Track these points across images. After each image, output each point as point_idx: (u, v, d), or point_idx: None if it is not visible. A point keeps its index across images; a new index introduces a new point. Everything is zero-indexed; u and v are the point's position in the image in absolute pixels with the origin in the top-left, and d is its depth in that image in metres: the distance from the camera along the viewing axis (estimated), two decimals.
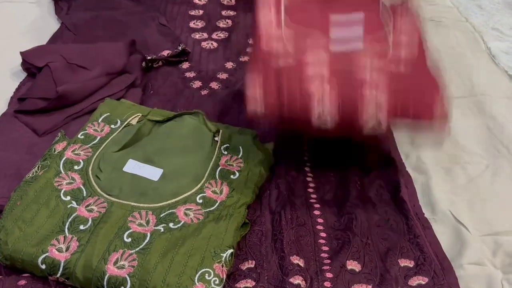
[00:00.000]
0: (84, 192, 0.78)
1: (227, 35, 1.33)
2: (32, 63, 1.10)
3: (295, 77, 0.79)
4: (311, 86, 0.77)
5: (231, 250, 0.72)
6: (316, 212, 0.83)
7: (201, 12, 1.43)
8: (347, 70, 0.80)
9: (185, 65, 1.21)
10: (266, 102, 0.77)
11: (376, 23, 0.89)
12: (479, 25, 1.42)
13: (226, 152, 0.88)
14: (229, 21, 1.39)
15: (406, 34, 0.88)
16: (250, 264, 0.73)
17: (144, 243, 0.71)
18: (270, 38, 0.84)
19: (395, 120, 0.78)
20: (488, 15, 1.48)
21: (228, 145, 0.90)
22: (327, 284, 0.70)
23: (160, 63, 1.20)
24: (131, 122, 0.93)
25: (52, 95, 1.00)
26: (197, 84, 1.14)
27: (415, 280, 0.73)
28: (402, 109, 0.78)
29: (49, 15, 1.39)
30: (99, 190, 0.79)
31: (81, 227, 0.73)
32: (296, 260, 0.73)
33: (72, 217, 0.74)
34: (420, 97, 0.79)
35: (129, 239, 0.72)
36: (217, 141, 0.90)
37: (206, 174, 0.83)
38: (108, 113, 0.94)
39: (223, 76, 1.17)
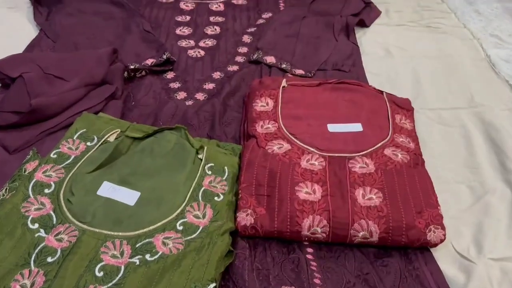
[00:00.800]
0: (54, 219, 0.72)
1: (215, 43, 1.26)
2: (5, 74, 1.03)
3: (286, 178, 0.80)
4: (302, 194, 0.78)
5: (214, 284, 0.66)
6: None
7: (188, 18, 1.36)
8: (339, 176, 0.81)
9: (170, 74, 1.14)
10: (256, 214, 0.76)
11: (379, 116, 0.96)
12: (477, 32, 1.37)
13: (210, 172, 0.82)
14: (218, 28, 1.33)
15: (403, 136, 0.92)
16: None
17: (118, 278, 0.65)
18: (266, 134, 0.89)
19: (388, 232, 0.74)
20: (487, 21, 1.43)
21: (212, 164, 0.83)
22: None
23: (144, 72, 1.13)
24: (108, 139, 0.86)
25: (25, 108, 0.93)
26: (181, 95, 1.08)
27: None
28: (395, 223, 0.75)
29: (28, 21, 1.32)
30: (70, 216, 0.72)
31: (49, 259, 0.66)
32: None
33: (39, 247, 0.68)
34: (413, 212, 0.76)
35: (101, 273, 0.65)
36: (201, 159, 0.84)
37: (188, 196, 0.77)
38: (85, 129, 0.88)
39: (209, 86, 1.11)
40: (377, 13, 1.43)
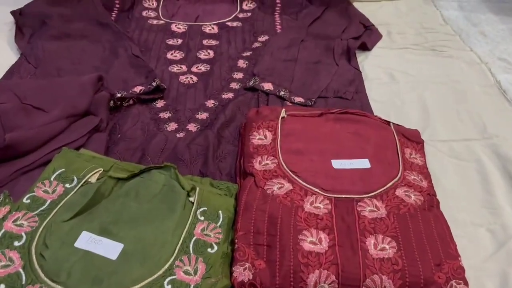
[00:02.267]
0: (24, 279, 0.62)
1: (208, 68, 1.19)
2: None
3: (288, 225, 0.72)
4: (306, 244, 0.70)
5: None
6: None
7: (180, 41, 1.29)
8: (348, 222, 0.73)
9: (160, 103, 1.06)
10: (255, 268, 0.67)
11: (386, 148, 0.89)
12: (484, 55, 1.30)
13: (202, 218, 0.73)
14: (211, 52, 1.25)
15: (415, 174, 0.85)
16: None
17: None
18: (264, 172, 0.82)
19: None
20: (493, 44, 1.37)
21: (205, 208, 0.75)
22: None
23: (131, 101, 1.05)
24: (89, 180, 0.77)
25: None
26: (172, 126, 0.99)
27: None
28: (412, 278, 0.66)
29: (7, 44, 1.24)
30: (42, 275, 0.63)
31: None
32: None
33: None
34: (431, 265, 0.68)
35: None
36: (192, 203, 0.75)
37: (177, 248, 0.68)
38: (63, 169, 0.79)
39: (202, 116, 1.03)
40: (379, 36, 1.36)
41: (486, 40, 1.39)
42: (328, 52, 1.24)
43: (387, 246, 0.70)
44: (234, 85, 1.13)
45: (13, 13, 1.30)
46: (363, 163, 0.85)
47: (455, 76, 1.20)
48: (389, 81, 1.19)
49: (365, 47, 1.31)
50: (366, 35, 1.34)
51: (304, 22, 1.36)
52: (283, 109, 0.96)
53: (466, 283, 0.67)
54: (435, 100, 1.11)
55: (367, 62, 1.26)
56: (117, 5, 1.42)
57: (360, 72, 1.20)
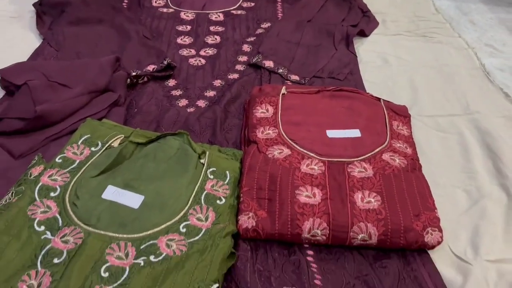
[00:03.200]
0: (60, 222, 0.73)
1: (215, 52, 1.29)
2: (10, 81, 1.05)
3: (286, 182, 0.82)
4: (302, 197, 0.79)
5: (217, 285, 0.67)
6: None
7: (188, 27, 1.39)
8: (339, 181, 0.83)
9: (171, 82, 1.16)
10: (258, 216, 0.78)
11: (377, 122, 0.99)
12: (472, 41, 1.40)
13: (212, 177, 0.84)
14: (218, 37, 1.35)
15: (401, 142, 0.94)
16: None
17: (123, 278, 0.66)
18: (266, 140, 0.91)
19: (386, 234, 0.76)
20: (481, 31, 1.46)
21: (214, 169, 0.85)
22: None
23: (145, 78, 1.15)
24: (112, 144, 0.88)
25: (30, 115, 0.95)
26: (183, 102, 1.10)
27: None
28: (393, 225, 0.77)
29: (31, 30, 1.34)
30: (75, 219, 0.74)
31: (55, 260, 0.68)
32: None
33: (45, 249, 0.69)
34: (410, 215, 0.78)
35: (107, 274, 0.67)
36: (203, 164, 0.86)
37: (191, 199, 0.79)
38: (89, 135, 0.89)
39: (210, 94, 1.13)
40: (376, 23, 1.46)
41: (474, 27, 1.49)
42: (329, 37, 1.34)
43: (372, 200, 0.80)
44: (239, 67, 1.23)
45: (34, 4, 1.40)
46: (355, 133, 0.95)
47: (443, 60, 1.30)
48: (382, 65, 1.28)
49: (363, 34, 1.40)
50: (364, 23, 1.44)
51: (307, 11, 1.45)
52: (284, 87, 1.06)
53: (440, 230, 0.77)
54: (424, 81, 1.21)
55: (362, 47, 1.36)
56: None
57: (356, 56, 1.30)
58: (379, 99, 1.06)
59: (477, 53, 1.33)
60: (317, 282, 0.72)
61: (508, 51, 1.36)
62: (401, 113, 1.03)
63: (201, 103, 1.10)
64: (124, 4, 1.47)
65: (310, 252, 0.77)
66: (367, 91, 1.14)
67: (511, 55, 1.34)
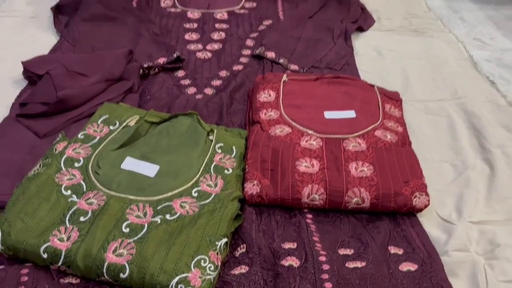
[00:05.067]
0: (84, 187, 0.82)
1: (221, 46, 1.38)
2: (33, 72, 1.14)
3: (288, 155, 0.90)
4: (302, 167, 0.88)
5: (226, 239, 0.75)
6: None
7: (195, 25, 1.48)
8: (335, 153, 0.91)
9: (181, 73, 1.26)
10: (262, 184, 0.86)
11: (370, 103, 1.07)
12: (461, 36, 1.49)
13: (220, 151, 0.92)
14: (223, 33, 1.44)
15: (392, 122, 1.02)
16: (242, 249, 0.76)
17: (142, 233, 0.74)
18: (269, 121, 1.00)
19: (378, 198, 0.85)
20: (470, 27, 1.55)
21: (222, 144, 0.93)
22: (322, 258, 0.74)
23: (157, 69, 1.24)
24: (129, 124, 0.97)
25: (52, 100, 1.04)
26: (191, 90, 1.19)
27: (405, 266, 0.76)
28: (384, 190, 0.85)
29: (49, 28, 1.44)
30: (98, 184, 0.82)
31: (82, 218, 0.76)
32: (288, 245, 0.77)
33: (72, 209, 0.78)
34: (400, 181, 0.86)
35: (127, 229, 0.75)
36: (211, 140, 0.94)
37: (201, 169, 0.87)
38: (107, 115, 0.98)
39: (217, 83, 1.22)
40: (373, 21, 1.55)
41: (464, 24, 1.58)
42: (328, 32, 1.43)
43: (365, 169, 0.88)
44: (243, 59, 1.32)
45: (51, 8, 1.49)
46: (350, 114, 1.04)
47: (434, 52, 1.39)
48: (377, 57, 1.37)
49: (361, 30, 1.50)
50: (363, 19, 1.53)
51: (307, 11, 1.55)
52: (285, 74, 1.15)
53: (427, 195, 0.86)
54: (415, 71, 1.30)
55: (358, 41, 1.45)
56: None
57: (353, 49, 1.39)
58: (373, 85, 1.15)
59: (465, 46, 1.42)
60: (316, 238, 0.80)
61: (495, 44, 1.45)
62: (393, 97, 1.12)
63: (208, 91, 1.19)
64: (133, 3, 1.57)
65: (309, 216, 0.85)
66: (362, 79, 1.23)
67: (497, 48, 1.43)
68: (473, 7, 1.70)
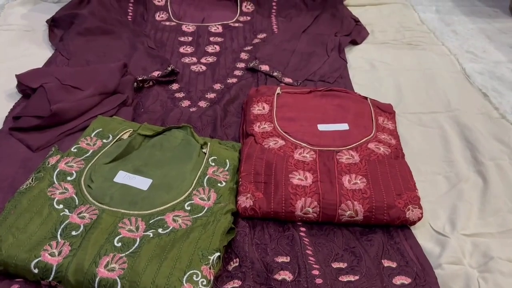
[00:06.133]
0: (77, 201, 0.81)
1: (215, 59, 1.39)
2: (27, 85, 1.15)
3: (281, 168, 0.90)
4: (295, 180, 0.88)
5: (218, 253, 0.75)
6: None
7: (190, 38, 1.49)
8: (328, 166, 0.91)
9: (175, 86, 1.26)
10: (255, 197, 0.86)
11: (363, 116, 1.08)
12: (454, 49, 1.50)
13: (213, 164, 0.92)
14: (217, 47, 1.45)
15: (386, 134, 1.03)
16: (235, 263, 0.76)
17: (134, 247, 0.74)
18: (263, 133, 1.00)
19: (371, 211, 0.84)
20: (463, 40, 1.57)
21: (215, 157, 0.93)
22: (315, 272, 0.74)
23: (151, 83, 1.25)
24: (122, 137, 0.97)
25: (46, 113, 1.04)
26: (186, 103, 1.19)
27: (398, 280, 0.76)
28: (377, 203, 0.85)
29: (44, 42, 1.45)
30: (90, 198, 0.82)
31: (73, 232, 0.76)
32: (281, 259, 0.77)
33: (64, 224, 0.77)
34: (393, 194, 0.86)
35: (119, 244, 0.74)
36: (205, 153, 0.94)
37: (195, 182, 0.87)
38: (101, 129, 0.98)
39: (211, 95, 1.22)
40: (366, 33, 1.56)
41: (457, 37, 1.59)
42: (322, 46, 1.44)
43: (358, 182, 0.88)
44: (237, 72, 1.33)
45: (47, 21, 1.50)
46: (343, 126, 1.04)
47: (427, 65, 1.40)
48: (370, 69, 1.38)
49: (355, 43, 1.51)
50: (356, 32, 1.55)
51: (301, 24, 1.56)
52: (279, 87, 1.16)
53: (420, 208, 0.86)
54: (408, 83, 1.30)
55: (352, 54, 1.46)
56: (131, 7, 1.62)
57: (346, 62, 1.40)
58: (366, 98, 1.15)
59: (458, 59, 1.43)
60: (309, 252, 0.79)
61: (487, 57, 1.46)
62: (387, 110, 1.13)
63: (203, 104, 1.19)
64: (129, 17, 1.58)
65: (303, 229, 0.85)
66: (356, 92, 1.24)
67: (490, 61, 1.44)
68: (466, 20, 1.72)
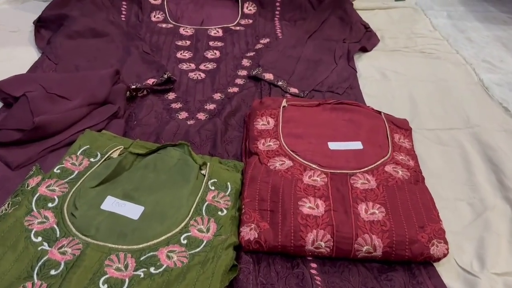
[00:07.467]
0: (58, 232, 0.71)
1: (215, 66, 1.29)
2: (8, 93, 1.04)
3: (289, 194, 0.81)
4: (305, 209, 0.78)
5: None
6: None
7: (188, 42, 1.39)
8: (342, 192, 0.82)
9: (171, 95, 1.16)
10: (260, 228, 0.76)
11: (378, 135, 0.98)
12: (469, 57, 1.41)
13: (213, 188, 0.82)
14: (217, 52, 1.35)
15: (403, 155, 0.93)
16: None
17: None
18: (268, 152, 0.90)
19: (391, 246, 0.75)
20: (478, 48, 1.48)
21: (215, 180, 0.84)
22: None
23: (145, 92, 1.15)
24: (111, 155, 0.87)
25: (28, 126, 0.93)
26: (183, 115, 1.09)
27: None
28: (398, 237, 0.75)
29: (30, 44, 1.34)
30: (74, 229, 0.72)
31: (52, 272, 0.66)
32: None
33: (42, 260, 0.67)
34: (415, 226, 0.77)
35: (106, 286, 0.65)
36: (204, 175, 0.84)
37: (192, 210, 0.77)
38: (88, 146, 0.88)
39: (210, 106, 1.13)
40: (377, 40, 1.47)
41: (472, 44, 1.50)
42: (330, 53, 1.35)
43: (376, 211, 0.79)
44: (239, 81, 1.23)
45: (34, 22, 1.40)
46: (357, 145, 0.95)
47: (442, 75, 1.31)
48: (381, 79, 1.29)
49: (364, 50, 1.41)
50: (366, 39, 1.45)
51: (307, 29, 1.46)
52: (284, 100, 1.06)
53: (446, 242, 0.76)
54: (423, 95, 1.21)
55: (361, 62, 1.36)
56: (125, 5, 1.51)
57: (356, 71, 1.30)
58: (379, 112, 1.06)
59: (475, 69, 1.34)
60: None
61: (505, 67, 1.37)
62: (402, 126, 1.03)
63: (201, 116, 1.09)
64: (122, 16, 1.48)
65: (314, 265, 0.76)
66: (367, 105, 1.14)
67: (508, 71, 1.35)
68: (479, 26, 1.63)
